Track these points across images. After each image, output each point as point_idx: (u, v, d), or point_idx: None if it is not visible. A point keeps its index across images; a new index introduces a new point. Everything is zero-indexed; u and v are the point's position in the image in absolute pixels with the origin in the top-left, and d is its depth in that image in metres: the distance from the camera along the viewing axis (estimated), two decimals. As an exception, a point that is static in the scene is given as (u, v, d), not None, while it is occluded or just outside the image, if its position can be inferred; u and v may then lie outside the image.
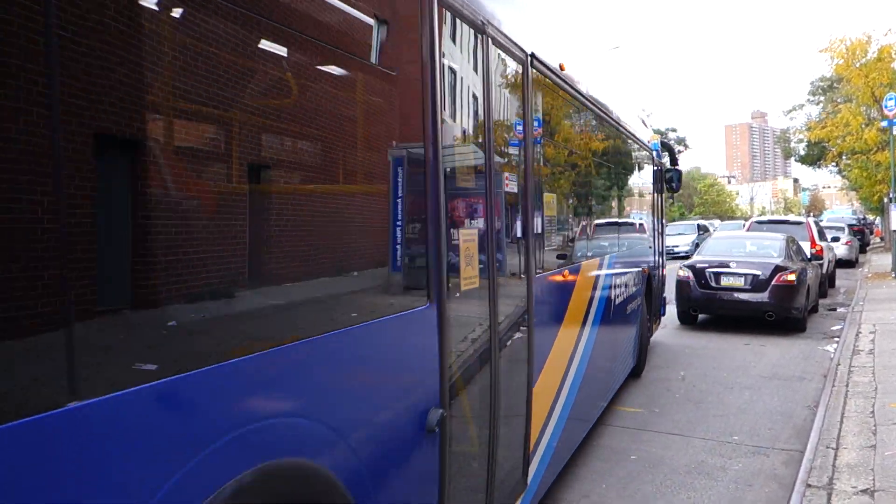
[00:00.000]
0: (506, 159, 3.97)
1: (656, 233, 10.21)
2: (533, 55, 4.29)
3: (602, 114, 6.63)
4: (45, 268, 1.49)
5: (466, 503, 3.28)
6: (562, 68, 5.06)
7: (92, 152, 1.59)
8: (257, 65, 2.11)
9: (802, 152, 46.76)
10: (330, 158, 2.48)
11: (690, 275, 12.74)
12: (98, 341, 1.62)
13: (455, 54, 3.30)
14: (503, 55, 3.83)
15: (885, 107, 20.71)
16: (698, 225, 33.15)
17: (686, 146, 67.84)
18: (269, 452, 1.95)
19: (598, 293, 5.97)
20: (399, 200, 2.76)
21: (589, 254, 6.06)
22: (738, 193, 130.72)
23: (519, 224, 4.16)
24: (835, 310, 15.38)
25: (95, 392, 1.54)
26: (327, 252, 2.44)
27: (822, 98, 44.61)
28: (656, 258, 9.96)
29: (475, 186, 3.44)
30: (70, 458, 1.47)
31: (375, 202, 2.75)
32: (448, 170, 3.11)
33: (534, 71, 4.33)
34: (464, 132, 3.47)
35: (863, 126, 24.80)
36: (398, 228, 2.76)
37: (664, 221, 11.38)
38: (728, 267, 12.53)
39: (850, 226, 31.72)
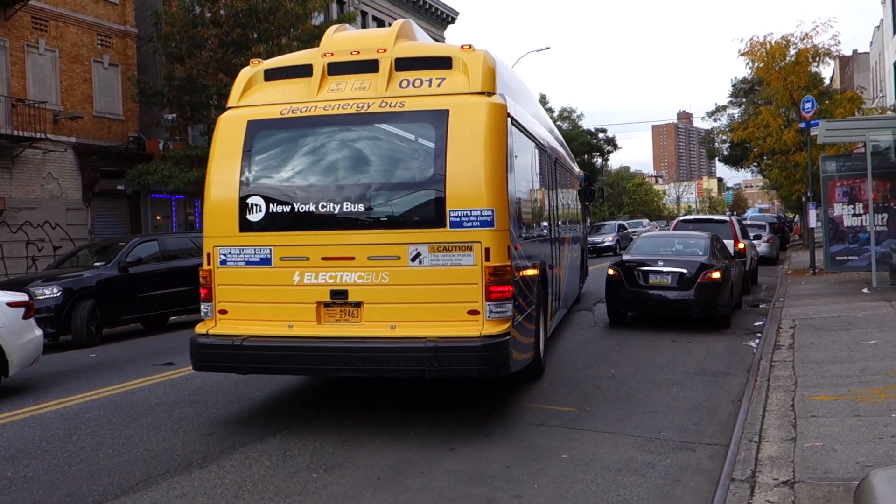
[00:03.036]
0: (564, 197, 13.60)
1: (584, 226, 18.51)
2: (583, 176, 18.05)
3: (575, 174, 16.02)
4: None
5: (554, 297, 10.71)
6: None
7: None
8: (562, 191, 12.80)
9: (726, 153, 48.33)
10: (570, 202, 14.64)
11: (620, 273, 13.02)
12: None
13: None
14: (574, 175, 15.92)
15: (803, 109, 21.47)
16: None
17: (615, 146, 69.23)
18: (544, 260, 9.43)
19: (571, 246, 13.83)
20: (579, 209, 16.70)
21: (568, 232, 13.53)
22: (665, 193, 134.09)
23: (563, 220, 12.63)
24: (757, 306, 15.95)
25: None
26: (567, 222, 13.29)
27: (743, 100, 46.20)
28: (584, 241, 18.37)
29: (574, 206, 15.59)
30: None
31: (576, 211, 15.78)
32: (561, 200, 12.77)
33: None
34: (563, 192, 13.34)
35: (782, 127, 25.67)
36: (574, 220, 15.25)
37: (587, 220, 20.77)
38: (656, 265, 12.85)
39: (770, 224, 32.95)
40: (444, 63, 7.27)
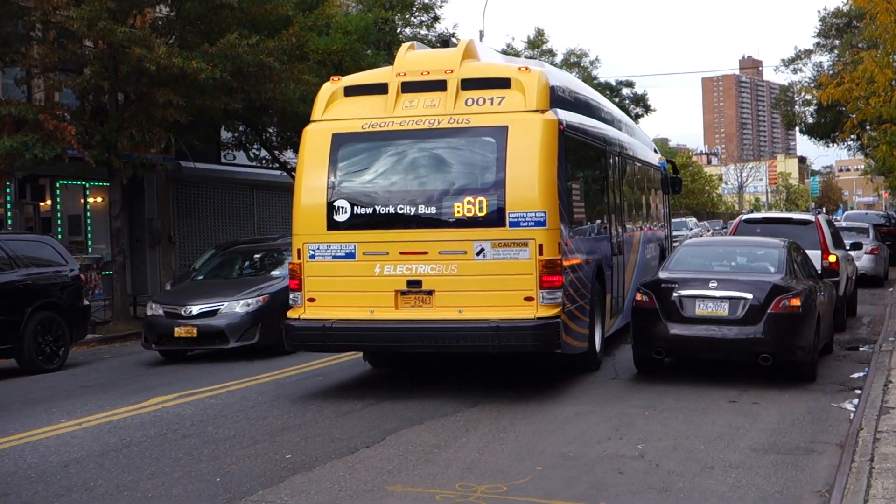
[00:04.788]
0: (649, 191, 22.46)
1: (666, 218, 25.03)
2: (663, 164, 25.00)
3: (652, 165, 22.57)
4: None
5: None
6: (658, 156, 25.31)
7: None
8: (633, 188, 19.88)
9: (810, 120, 49.14)
10: (643, 196, 21.33)
11: (653, 299, 13.03)
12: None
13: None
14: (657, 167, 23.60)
15: (923, 56, 21.72)
16: None
17: (647, 108, 69.69)
18: (601, 257, 14.95)
19: (642, 245, 19.46)
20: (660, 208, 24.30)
21: (637, 229, 19.32)
22: (721, 178, 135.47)
23: (630, 216, 18.91)
24: (856, 349, 16.16)
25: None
26: (637, 218, 19.81)
27: (836, 42, 46.90)
28: (666, 233, 24.23)
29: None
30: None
31: (652, 206, 22.49)
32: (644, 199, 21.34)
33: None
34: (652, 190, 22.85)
35: (893, 83, 25.96)
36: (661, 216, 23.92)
37: (670, 211, 27.07)
38: (706, 288, 12.88)
39: (876, 227, 33.33)
40: (503, 83, 12.48)
